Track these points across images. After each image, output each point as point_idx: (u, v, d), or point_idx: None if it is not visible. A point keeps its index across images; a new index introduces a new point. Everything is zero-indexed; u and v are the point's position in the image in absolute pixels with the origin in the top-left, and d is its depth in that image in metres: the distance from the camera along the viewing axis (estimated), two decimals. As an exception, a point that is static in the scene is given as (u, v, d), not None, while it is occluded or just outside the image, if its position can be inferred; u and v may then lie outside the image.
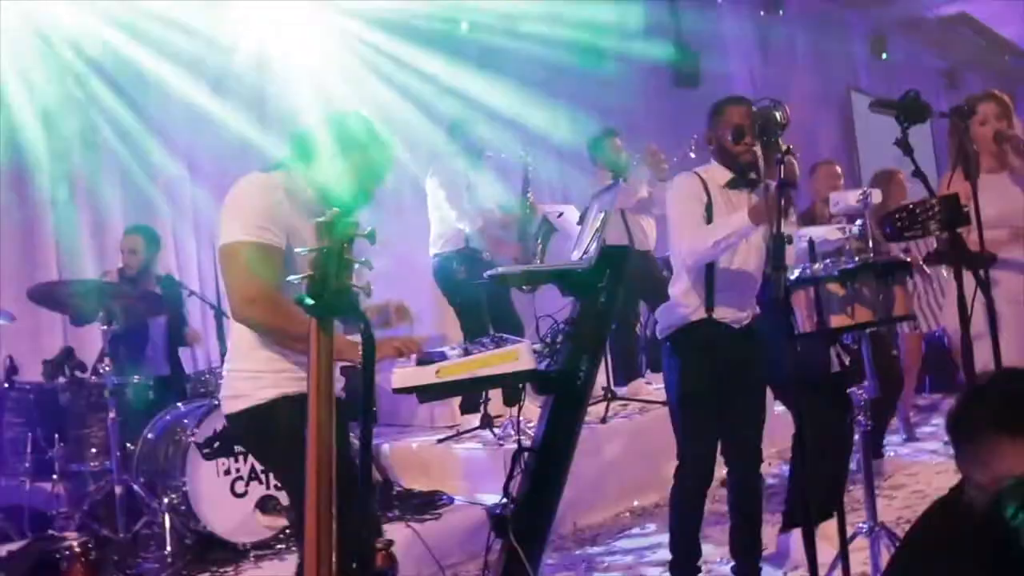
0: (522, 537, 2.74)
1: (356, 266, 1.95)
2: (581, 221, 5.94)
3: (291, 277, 1.98)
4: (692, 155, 5.54)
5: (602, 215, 2.82)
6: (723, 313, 3.28)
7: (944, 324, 4.62)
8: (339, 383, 2.85)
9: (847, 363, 3.30)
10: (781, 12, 10.23)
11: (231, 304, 2.43)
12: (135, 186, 5.87)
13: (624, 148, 6.11)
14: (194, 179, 6.17)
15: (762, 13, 10.46)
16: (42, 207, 5.49)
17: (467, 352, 2.56)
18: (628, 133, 6.67)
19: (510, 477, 2.86)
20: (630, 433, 5.38)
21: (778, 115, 2.63)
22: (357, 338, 2.31)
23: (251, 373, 2.51)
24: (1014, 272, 3.73)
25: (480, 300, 5.20)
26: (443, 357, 2.63)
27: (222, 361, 5.45)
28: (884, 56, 11.83)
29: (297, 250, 1.93)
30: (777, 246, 2.35)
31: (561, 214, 5.92)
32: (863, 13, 11.91)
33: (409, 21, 7.19)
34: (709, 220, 3.22)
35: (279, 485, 4.20)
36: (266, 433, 2.55)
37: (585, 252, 2.74)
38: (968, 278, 2.92)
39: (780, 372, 3.23)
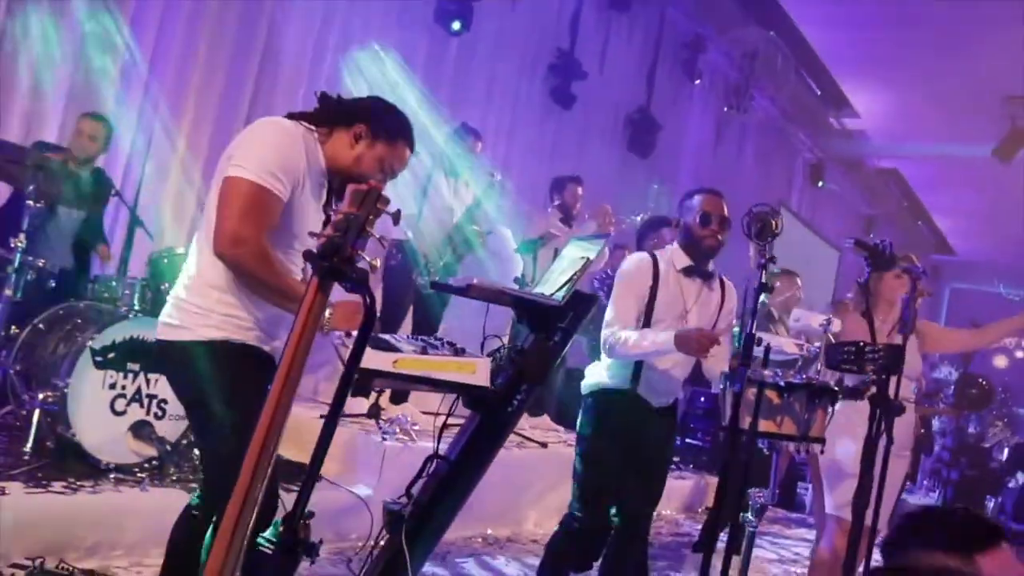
0: (412, 539, 2.76)
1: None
2: (522, 250, 6.06)
3: (309, 232, 1.96)
4: (639, 221, 5.75)
5: (583, 262, 2.88)
6: (646, 390, 3.40)
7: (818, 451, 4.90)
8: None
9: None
10: (746, 112, 10.66)
11: (218, 236, 2.35)
12: (89, 62, 5.63)
13: (581, 199, 6.28)
14: (153, 78, 5.96)
15: (725, 109, 10.88)
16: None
17: (424, 350, 2.58)
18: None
19: (417, 477, 2.88)
20: (500, 464, 5.32)
21: (774, 224, 2.76)
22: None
23: (200, 309, 2.45)
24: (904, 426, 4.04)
25: (407, 294, 5.19)
26: (389, 345, 2.64)
27: (123, 269, 5.33)
28: (820, 184, 12.43)
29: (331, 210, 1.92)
30: (747, 344, 2.47)
31: (490, 232, 6.00)
32: (811, 140, 12.53)
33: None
34: (652, 301, 3.36)
35: (159, 414, 4.10)
36: (196, 370, 2.48)
37: (560, 289, 2.79)
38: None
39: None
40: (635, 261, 3.48)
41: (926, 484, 10.16)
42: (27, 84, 5.43)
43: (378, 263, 1.97)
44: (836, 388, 3.00)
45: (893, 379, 3.13)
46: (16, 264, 3.97)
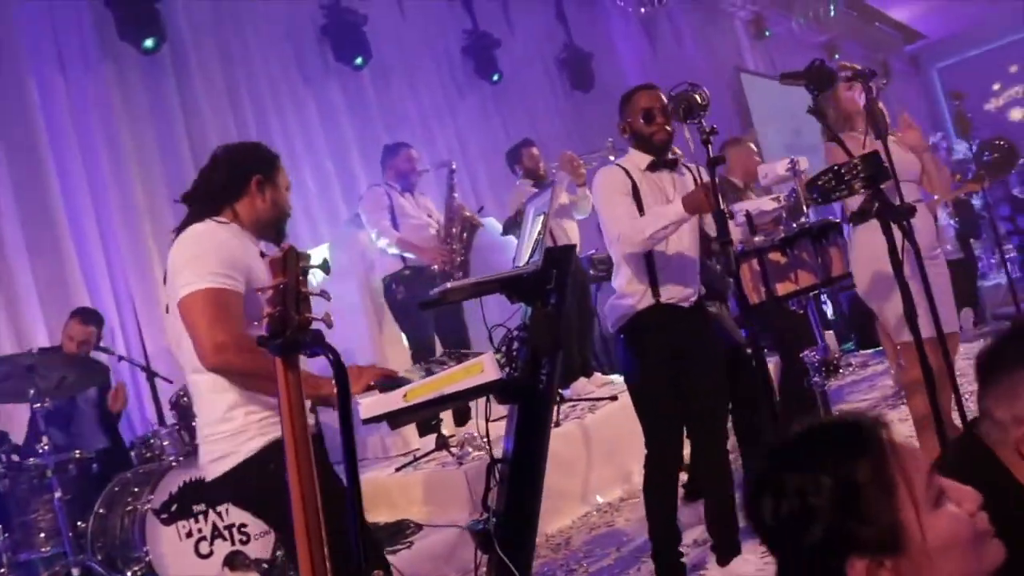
0: (509, 548, 2.72)
1: (313, 298, 1.93)
2: (506, 231, 6.01)
3: (255, 323, 1.93)
4: (611, 158, 5.68)
5: (541, 218, 2.83)
6: (670, 293, 3.32)
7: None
8: (311, 418, 2.75)
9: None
10: (661, 3, 10.48)
11: (202, 354, 2.33)
12: (43, 254, 5.67)
13: (541, 157, 6.24)
14: (106, 235, 5.99)
15: (642, 10, 10.70)
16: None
17: (430, 372, 2.54)
18: (534, 138, 6.80)
19: (487, 491, 2.85)
20: (583, 433, 5.39)
21: (699, 97, 2.68)
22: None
23: (232, 431, 2.42)
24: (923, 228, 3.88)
25: (425, 319, 5.18)
26: (405, 381, 2.60)
27: (160, 423, 5.35)
28: (767, 34, 12.21)
29: (256, 288, 1.89)
30: (720, 222, 2.40)
31: (482, 208, 5.99)
32: (739, -2, 12.31)
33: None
34: (639, 206, 3.29)
35: (244, 539, 4.12)
36: (262, 486, 2.42)
37: (531, 257, 2.74)
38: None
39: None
40: (606, 172, 3.45)
41: (993, 263, 9.89)
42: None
43: (332, 317, 1.93)
44: (835, 220, 2.90)
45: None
46: (52, 467, 4.00)
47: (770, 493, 1.19)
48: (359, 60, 7.55)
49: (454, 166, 5.98)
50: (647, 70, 10.75)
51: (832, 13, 12.28)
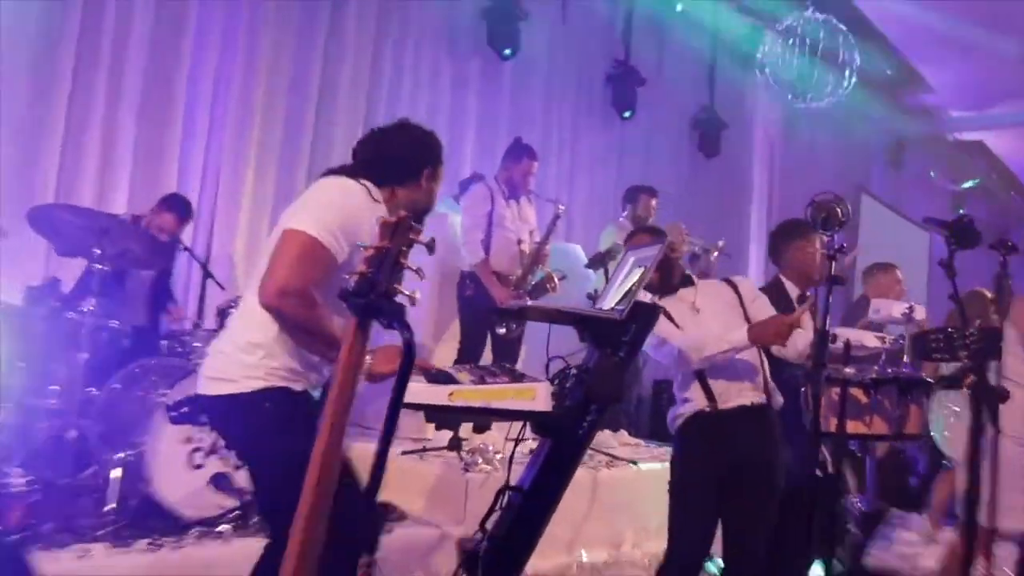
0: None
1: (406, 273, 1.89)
2: (590, 265, 5.92)
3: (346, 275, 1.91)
4: (713, 255, 5.62)
5: (640, 271, 2.76)
6: (725, 399, 3.20)
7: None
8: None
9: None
10: (809, 101, 10.34)
11: (265, 287, 2.33)
12: (152, 123, 5.74)
13: (655, 211, 6.15)
14: (214, 129, 6.05)
15: (790, 97, 10.56)
16: (53, 128, 5.34)
17: (481, 380, 2.48)
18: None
19: (490, 512, 2.78)
20: (590, 485, 5.27)
21: (840, 211, 2.59)
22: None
23: (246, 365, 2.42)
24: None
25: (485, 324, 5.09)
26: (449, 377, 2.55)
27: (196, 325, 5.38)
28: (900, 166, 11.99)
29: (357, 243, 1.86)
30: (821, 344, 2.30)
31: (564, 276, 5.78)
32: (886, 119, 12.08)
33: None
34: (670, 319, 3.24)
35: (238, 464, 4.09)
36: (247, 423, 2.47)
37: (620, 304, 2.67)
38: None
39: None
40: None
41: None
42: (97, 148, 5.55)
43: (418, 295, 1.88)
44: (930, 380, 2.78)
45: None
46: (89, 328, 4.02)
47: None
48: (508, 51, 7.56)
49: (561, 209, 5.74)
50: (773, 160, 10.63)
51: (970, 185, 12.06)
